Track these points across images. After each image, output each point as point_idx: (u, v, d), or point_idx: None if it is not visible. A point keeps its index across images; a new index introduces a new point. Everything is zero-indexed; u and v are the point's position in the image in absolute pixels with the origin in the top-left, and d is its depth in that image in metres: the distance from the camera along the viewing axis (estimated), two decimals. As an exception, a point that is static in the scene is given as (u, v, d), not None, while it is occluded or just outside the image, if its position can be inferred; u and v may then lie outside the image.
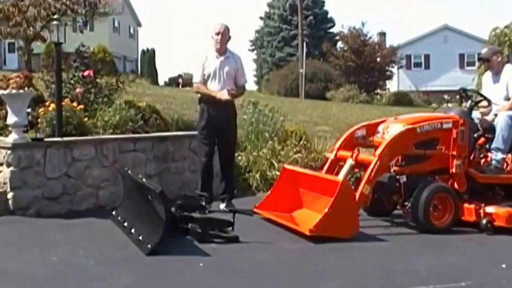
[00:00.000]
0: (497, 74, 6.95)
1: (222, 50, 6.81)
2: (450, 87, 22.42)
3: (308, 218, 5.92)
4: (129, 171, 6.11)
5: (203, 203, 6.18)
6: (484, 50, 7.39)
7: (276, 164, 8.30)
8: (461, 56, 41.51)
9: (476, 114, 6.83)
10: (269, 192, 6.99)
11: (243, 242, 5.51)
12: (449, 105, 12.89)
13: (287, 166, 6.95)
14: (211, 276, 4.59)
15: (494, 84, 6.96)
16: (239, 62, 6.95)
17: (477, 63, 22.31)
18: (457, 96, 7.65)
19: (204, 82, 6.82)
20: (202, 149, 6.83)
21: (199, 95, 6.95)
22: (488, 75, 7.20)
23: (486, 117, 6.80)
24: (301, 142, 8.89)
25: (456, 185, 6.36)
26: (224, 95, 6.65)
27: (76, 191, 6.73)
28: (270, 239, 5.68)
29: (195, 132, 8.20)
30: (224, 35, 6.77)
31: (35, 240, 5.52)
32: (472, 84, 15.75)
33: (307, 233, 5.55)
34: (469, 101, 6.78)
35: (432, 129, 6.38)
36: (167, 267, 4.77)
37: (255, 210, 6.48)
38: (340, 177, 6.11)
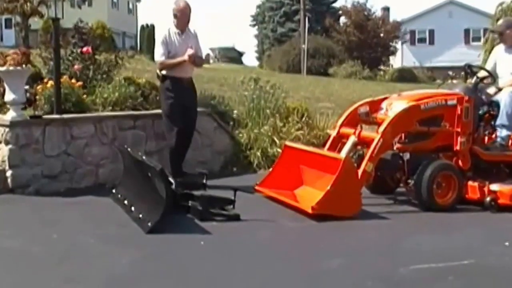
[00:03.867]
0: (510, 48, 6.90)
1: (185, 27, 6.81)
2: (455, 63, 22.30)
3: (310, 196, 5.92)
4: (129, 149, 6.11)
5: (204, 181, 6.20)
6: (499, 22, 7.35)
7: (277, 141, 8.29)
8: (467, 32, 41.21)
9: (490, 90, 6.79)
10: (270, 169, 6.99)
11: (244, 220, 5.52)
12: (454, 81, 12.82)
13: (288, 143, 6.94)
14: (212, 254, 4.60)
15: (507, 57, 6.90)
16: (197, 39, 7.00)
17: (482, 39, 22.16)
18: (462, 73, 7.59)
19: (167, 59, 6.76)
20: (172, 129, 6.69)
21: (162, 73, 6.76)
22: (500, 48, 7.13)
23: (488, 91, 6.77)
24: (303, 119, 8.88)
25: (460, 163, 6.34)
26: (188, 52, 6.62)
27: (76, 169, 6.75)
28: (272, 217, 5.69)
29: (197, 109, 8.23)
30: (186, 13, 6.76)
31: (34, 219, 5.54)
32: (478, 60, 15.66)
33: (309, 211, 5.56)
34: (475, 78, 6.74)
35: (436, 106, 6.35)
36: (167, 245, 4.78)
37: (256, 188, 6.48)
38: (343, 154, 6.09)
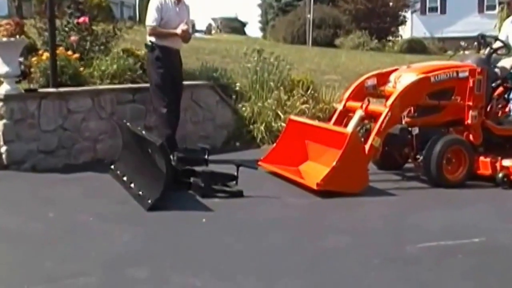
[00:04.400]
0: None
1: None
2: (468, 33, 22.06)
3: (315, 171, 5.93)
4: (128, 123, 6.09)
5: (206, 156, 6.21)
6: None
7: (281, 115, 8.29)
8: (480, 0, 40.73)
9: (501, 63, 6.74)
10: (274, 144, 6.99)
11: (247, 197, 5.53)
12: (466, 52, 12.72)
13: (293, 117, 6.93)
14: (214, 232, 4.61)
15: None
16: (189, 12, 6.97)
17: (498, 7, 21.89)
18: (475, 43, 7.54)
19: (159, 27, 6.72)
20: (164, 100, 6.67)
21: (151, 42, 6.73)
22: (510, 20, 7.07)
23: (505, 65, 6.71)
24: (308, 92, 8.86)
25: (471, 138, 6.35)
26: (181, 27, 6.61)
27: (73, 144, 6.74)
28: (276, 194, 5.70)
29: (197, 82, 8.22)
30: None
31: (30, 196, 5.55)
32: (493, 30, 15.49)
33: (314, 187, 5.57)
34: (488, 48, 6.68)
35: (447, 78, 6.32)
36: (168, 222, 4.80)
37: (259, 163, 6.49)
38: (349, 128, 6.09)
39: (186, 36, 6.76)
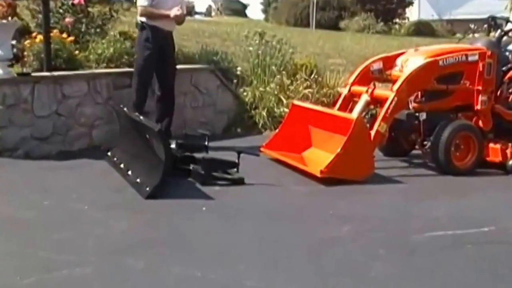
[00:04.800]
0: None
1: None
2: (478, 15, 21.93)
3: (319, 158, 5.92)
4: (125, 109, 6.06)
5: (206, 143, 6.20)
6: None
7: (284, 100, 8.27)
8: (491, -21, 40.53)
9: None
10: (276, 130, 6.98)
11: (248, 184, 5.53)
12: (476, 35, 12.65)
13: (296, 102, 6.91)
14: (214, 221, 4.61)
15: None
16: None
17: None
18: (485, 25, 7.50)
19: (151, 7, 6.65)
20: (141, 80, 6.64)
21: (141, 21, 6.66)
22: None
23: None
24: (312, 76, 8.81)
25: (480, 123, 6.35)
26: (175, 11, 6.57)
27: (68, 130, 6.72)
28: (278, 181, 5.70)
29: (197, 66, 8.19)
30: None
31: (24, 183, 5.53)
32: (504, 11, 15.40)
33: (318, 174, 5.56)
34: (498, 31, 6.65)
35: (456, 62, 6.30)
36: (167, 211, 4.79)
37: (261, 150, 6.48)
38: (354, 114, 6.08)
39: (179, 20, 6.72)
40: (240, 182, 5.54)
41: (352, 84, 6.65)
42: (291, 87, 8.53)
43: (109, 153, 6.20)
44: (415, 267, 3.85)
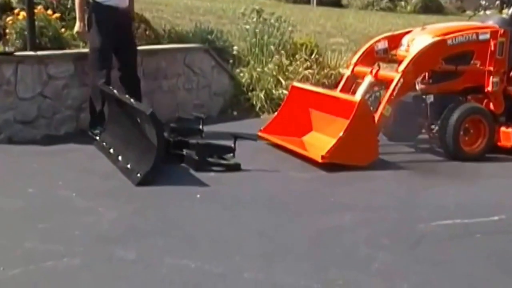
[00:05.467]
0: None
1: None
2: (488, -9, 21.87)
3: (320, 143, 5.92)
4: (115, 90, 6.04)
5: (200, 126, 6.20)
6: None
7: (283, 82, 8.26)
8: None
9: None
10: (275, 113, 6.97)
11: (245, 171, 5.53)
12: (487, 12, 12.61)
13: (296, 84, 6.90)
14: (209, 209, 4.61)
15: None
16: None
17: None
18: (497, 2, 7.47)
19: None
20: (99, 68, 6.43)
21: (95, 1, 6.44)
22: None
23: None
24: (312, 56, 8.80)
25: (491, 106, 6.35)
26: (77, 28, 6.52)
27: (54, 113, 6.67)
28: (276, 167, 5.70)
29: (191, 45, 8.15)
30: None
31: (8, 170, 5.51)
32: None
33: (319, 160, 5.56)
34: (511, 8, 6.61)
35: (465, 41, 6.29)
36: (159, 199, 4.79)
37: (259, 134, 6.46)
38: (357, 96, 6.07)
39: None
40: (236, 168, 5.53)
41: (355, 64, 6.64)
42: (290, 68, 8.51)
43: (97, 138, 6.17)
44: (421, 258, 3.86)
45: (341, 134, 5.57)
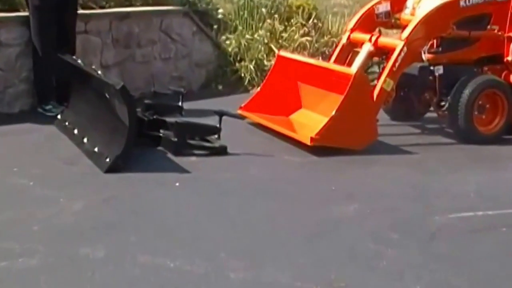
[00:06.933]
0: None
1: None
2: None
3: (310, 122, 5.93)
4: (79, 61, 5.98)
5: (180, 103, 6.22)
6: None
7: (276, 51, 8.20)
8: None
9: None
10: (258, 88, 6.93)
11: (232, 154, 5.53)
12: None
13: (282, 53, 6.87)
14: (189, 199, 4.60)
15: None
16: None
17: None
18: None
19: None
20: (47, 35, 6.48)
21: None
22: None
23: None
24: (310, 21, 8.83)
25: (511, 79, 6.31)
26: None
27: (6, 87, 6.58)
28: (268, 151, 5.71)
29: (167, 7, 8.09)
30: None
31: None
32: None
33: (308, 142, 5.54)
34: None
35: (481, 1, 6.28)
36: (131, 187, 4.78)
37: (239, 112, 6.38)
38: (354, 68, 6.07)
39: None
40: (221, 151, 5.53)
41: (352, 30, 6.61)
42: (285, 35, 8.54)
43: (59, 116, 6.15)
44: (436, 255, 3.84)
45: (333, 112, 5.53)
